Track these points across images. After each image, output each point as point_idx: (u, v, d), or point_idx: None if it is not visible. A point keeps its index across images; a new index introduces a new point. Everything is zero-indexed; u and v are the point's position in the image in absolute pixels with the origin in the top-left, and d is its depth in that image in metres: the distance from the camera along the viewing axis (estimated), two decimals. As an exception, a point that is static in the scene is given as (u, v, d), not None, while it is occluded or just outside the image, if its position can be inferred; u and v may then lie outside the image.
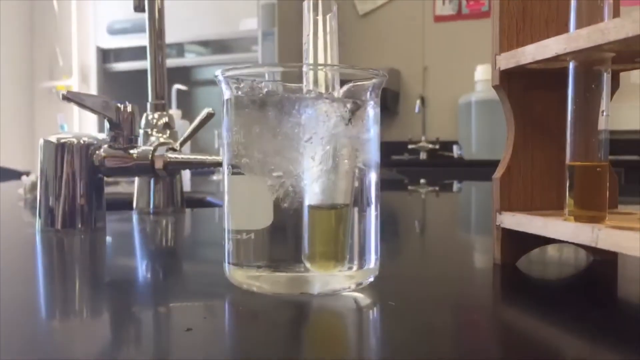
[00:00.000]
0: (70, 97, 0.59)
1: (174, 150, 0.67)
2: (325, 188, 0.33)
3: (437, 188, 1.52)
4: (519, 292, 0.38)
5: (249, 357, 0.26)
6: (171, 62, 2.84)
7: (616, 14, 0.40)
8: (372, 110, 0.36)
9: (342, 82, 0.35)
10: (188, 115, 2.03)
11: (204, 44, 3.27)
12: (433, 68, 3.13)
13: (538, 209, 0.43)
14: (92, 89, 3.57)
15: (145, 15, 0.84)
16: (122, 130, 0.64)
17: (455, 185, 1.64)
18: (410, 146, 3.06)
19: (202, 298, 0.36)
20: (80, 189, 0.61)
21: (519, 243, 0.42)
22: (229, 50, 3.23)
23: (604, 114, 0.37)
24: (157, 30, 0.84)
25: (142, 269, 0.48)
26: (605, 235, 0.33)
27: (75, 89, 3.52)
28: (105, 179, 0.65)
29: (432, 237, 0.68)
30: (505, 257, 0.43)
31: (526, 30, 0.43)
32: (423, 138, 3.08)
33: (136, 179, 0.83)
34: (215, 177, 1.60)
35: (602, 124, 0.37)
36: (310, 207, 0.33)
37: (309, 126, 0.33)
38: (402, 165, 2.78)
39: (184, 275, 0.45)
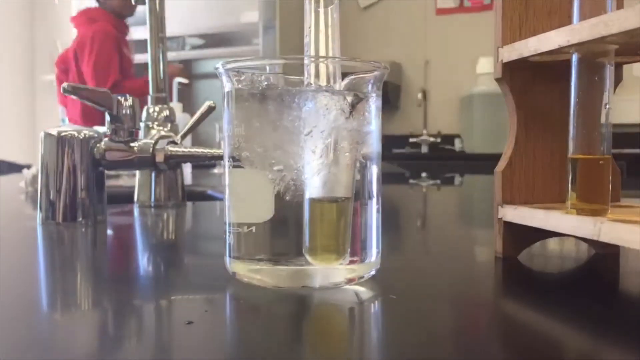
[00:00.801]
0: (71, 90, 0.59)
1: (174, 143, 0.66)
2: (326, 181, 0.33)
3: (438, 182, 1.52)
4: (520, 286, 0.38)
5: (250, 350, 0.26)
6: (172, 55, 2.84)
7: (619, 5, 0.40)
8: (373, 103, 0.35)
9: (344, 75, 0.35)
10: (189, 108, 2.03)
11: (205, 37, 3.26)
12: (435, 61, 3.12)
13: (540, 202, 0.43)
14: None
15: (146, 7, 0.84)
16: (122, 124, 0.64)
17: (457, 179, 1.64)
18: (411, 139, 3.05)
19: (203, 291, 0.36)
20: (81, 182, 0.61)
21: (521, 236, 0.42)
22: (230, 43, 3.22)
23: (607, 106, 0.37)
24: (157, 23, 0.84)
25: (143, 262, 0.48)
26: (608, 229, 0.33)
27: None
28: (106, 172, 0.65)
29: (434, 231, 0.68)
30: (507, 250, 0.43)
31: (529, 22, 0.42)
32: (424, 131, 3.08)
33: (137, 172, 0.83)
34: (216, 171, 1.60)
35: (604, 117, 0.37)
36: (311, 200, 0.33)
37: (309, 119, 0.33)
38: (404, 158, 2.78)
39: (185, 268, 0.45)
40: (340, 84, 0.35)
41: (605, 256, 0.44)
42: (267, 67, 0.36)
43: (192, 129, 0.74)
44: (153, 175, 0.81)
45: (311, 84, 0.34)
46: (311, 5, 0.36)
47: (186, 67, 3.06)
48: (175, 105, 1.57)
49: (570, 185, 0.38)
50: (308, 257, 0.33)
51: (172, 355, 0.26)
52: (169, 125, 0.81)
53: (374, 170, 0.36)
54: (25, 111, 3.72)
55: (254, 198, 0.34)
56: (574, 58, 0.37)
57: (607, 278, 0.41)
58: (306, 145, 0.33)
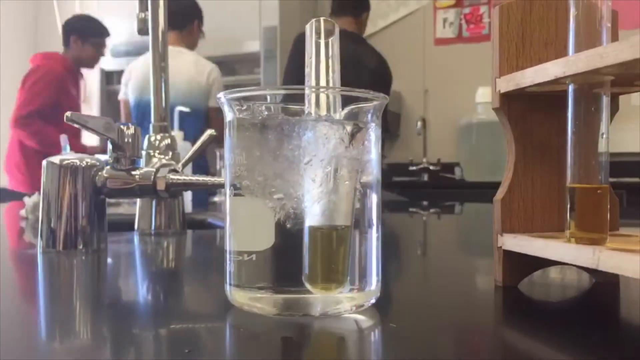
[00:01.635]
0: (73, 119, 0.60)
1: (175, 171, 0.67)
2: (325, 209, 0.33)
3: (438, 210, 1.52)
4: (520, 314, 0.38)
5: (250, 379, 0.26)
6: (174, 84, 2.85)
7: (614, 37, 0.41)
8: (373, 132, 0.36)
9: (344, 104, 0.36)
10: (189, 136, 2.04)
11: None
12: (434, 90, 3.15)
13: (539, 231, 0.43)
14: (95, 110, 3.59)
15: (149, 37, 0.85)
16: (124, 152, 0.64)
17: (457, 207, 1.64)
18: (411, 168, 3.06)
19: (203, 319, 0.36)
20: (82, 210, 0.61)
21: (521, 265, 0.42)
22: (231, 71, 3.25)
23: (604, 136, 0.37)
24: (160, 53, 0.85)
25: (142, 290, 0.48)
26: (607, 258, 0.33)
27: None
28: (107, 199, 0.65)
29: (434, 259, 0.67)
30: (507, 279, 0.43)
31: (526, 53, 0.43)
32: (424, 160, 3.09)
33: (138, 200, 0.83)
34: (216, 199, 1.60)
35: (602, 147, 0.37)
36: (311, 228, 0.33)
37: (309, 148, 0.33)
38: (404, 186, 2.78)
39: (185, 296, 0.45)
40: (341, 114, 0.35)
41: (605, 285, 0.44)
42: (268, 97, 0.37)
43: (193, 157, 0.74)
44: (154, 203, 0.82)
45: (311, 113, 0.35)
46: (312, 36, 0.36)
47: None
48: (177, 133, 1.58)
49: (568, 214, 0.38)
50: (308, 285, 0.33)
51: (171, 384, 0.26)
52: (170, 153, 0.82)
53: (374, 199, 0.36)
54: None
55: (254, 226, 0.35)
56: (570, 89, 0.38)
57: (606, 307, 0.41)
58: (306, 174, 0.33)
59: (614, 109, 0.42)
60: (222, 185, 0.65)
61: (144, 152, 0.81)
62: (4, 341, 0.31)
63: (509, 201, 0.43)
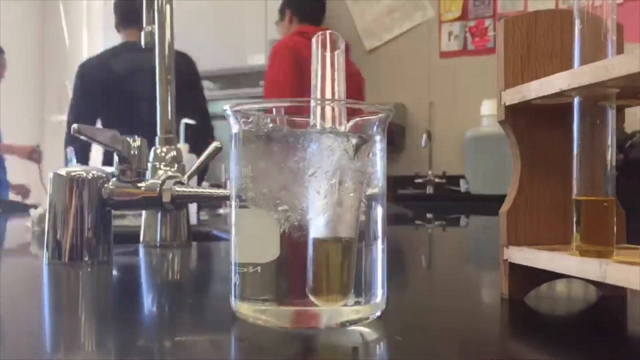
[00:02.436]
0: (80, 131, 0.60)
1: (181, 183, 0.67)
2: (330, 221, 0.33)
3: (444, 222, 1.51)
4: (527, 328, 0.38)
5: (255, 392, 0.26)
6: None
7: (620, 50, 0.41)
8: (378, 145, 0.36)
9: (349, 117, 0.36)
10: (195, 149, 2.04)
11: (213, 78, 3.30)
12: (439, 103, 3.15)
13: (545, 244, 0.43)
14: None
15: (155, 50, 0.86)
16: (130, 164, 0.64)
17: (463, 220, 1.63)
18: (416, 180, 3.06)
19: (208, 332, 0.36)
20: (88, 222, 0.61)
21: (527, 278, 0.42)
22: (237, 84, 3.27)
23: (610, 148, 0.37)
24: (166, 66, 0.85)
25: (148, 302, 0.48)
26: (613, 271, 0.33)
27: (84, 122, 3.56)
28: (113, 211, 0.66)
29: (439, 272, 0.67)
30: (513, 291, 0.42)
31: (531, 65, 0.43)
32: (429, 172, 3.08)
33: (143, 212, 0.84)
34: (222, 211, 1.60)
35: (608, 159, 0.37)
36: (315, 240, 0.33)
37: (313, 160, 0.34)
38: (409, 199, 2.78)
39: (190, 308, 0.45)
40: (346, 126, 0.35)
41: (612, 298, 0.43)
42: (274, 110, 0.37)
43: (199, 170, 0.74)
44: (159, 215, 0.82)
45: (316, 125, 0.35)
46: (318, 50, 0.36)
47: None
48: (182, 146, 1.58)
49: (575, 226, 0.38)
50: (311, 297, 0.33)
51: (176, 397, 0.25)
52: (176, 165, 0.82)
53: (379, 211, 0.36)
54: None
55: (259, 238, 0.35)
56: (576, 101, 0.38)
57: (613, 320, 0.40)
58: (310, 186, 0.34)
59: (620, 121, 0.42)
60: (227, 197, 0.65)
61: (149, 164, 0.81)
62: (10, 353, 0.31)
63: (515, 214, 0.43)
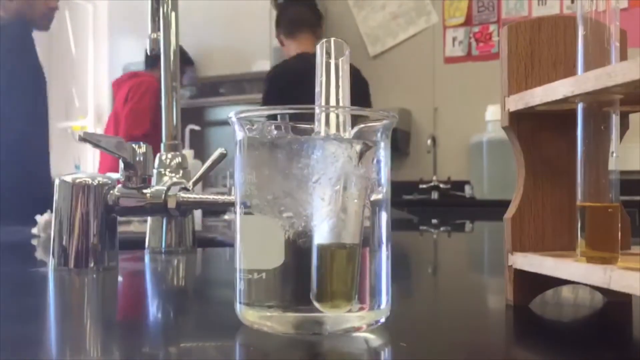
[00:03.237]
0: (86, 138, 0.60)
1: (186, 189, 0.67)
2: (334, 227, 0.34)
3: (448, 228, 1.51)
4: (532, 334, 0.38)
5: (260, 398, 0.26)
6: (185, 103, 2.89)
7: (623, 56, 0.41)
8: (382, 151, 0.36)
9: (353, 123, 0.36)
10: (201, 155, 2.05)
11: (218, 84, 3.31)
12: (444, 108, 3.15)
13: (550, 250, 0.43)
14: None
15: (161, 56, 0.86)
16: (136, 170, 0.65)
17: (467, 225, 1.63)
18: (421, 186, 3.05)
19: (213, 338, 0.36)
20: (94, 229, 0.62)
21: (532, 284, 0.42)
22: (242, 91, 3.27)
23: (614, 154, 0.37)
24: (171, 72, 0.86)
25: (153, 308, 0.48)
26: (618, 277, 0.33)
27: (90, 129, 3.58)
28: (118, 218, 0.66)
29: (444, 278, 0.67)
30: (518, 298, 0.42)
31: (535, 72, 0.43)
32: (434, 178, 3.08)
33: (149, 219, 0.84)
34: (226, 217, 1.60)
35: (612, 165, 0.37)
36: (319, 246, 0.33)
37: (317, 167, 0.34)
38: (414, 205, 2.77)
39: (196, 315, 0.45)
40: (350, 133, 0.36)
41: (617, 304, 0.43)
42: (279, 117, 0.37)
43: (204, 176, 0.74)
44: (164, 221, 0.82)
45: (320, 132, 0.35)
46: (323, 57, 0.37)
47: (199, 114, 3.11)
48: (187, 152, 1.59)
49: (579, 232, 0.38)
50: (315, 303, 0.33)
51: (181, 403, 0.26)
52: (181, 172, 0.82)
53: (383, 217, 0.36)
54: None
55: (264, 244, 0.35)
56: (580, 107, 0.38)
57: (619, 327, 0.40)
58: (315, 193, 0.34)
59: (624, 127, 0.42)
60: (232, 204, 0.65)
61: (155, 171, 0.81)
62: (16, 359, 0.31)
63: (519, 219, 0.43)
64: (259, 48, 3.13)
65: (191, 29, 2.71)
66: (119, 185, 0.64)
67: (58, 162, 3.69)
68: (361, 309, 0.34)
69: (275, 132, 0.36)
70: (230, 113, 0.36)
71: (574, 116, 0.38)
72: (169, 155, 0.83)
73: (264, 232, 0.35)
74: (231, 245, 0.37)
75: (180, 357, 0.33)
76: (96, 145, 0.61)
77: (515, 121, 0.43)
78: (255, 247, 0.35)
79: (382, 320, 0.36)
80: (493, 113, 2.78)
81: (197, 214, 1.31)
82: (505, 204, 0.44)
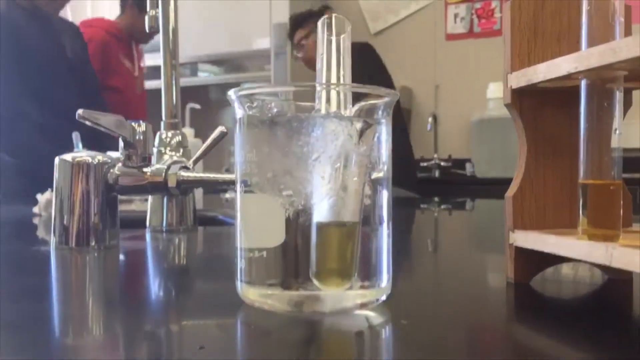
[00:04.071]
0: (85, 116, 0.60)
1: (187, 168, 0.67)
2: (334, 206, 0.33)
3: (449, 206, 1.51)
4: (532, 312, 0.38)
5: (261, 375, 0.26)
6: (185, 81, 2.87)
7: (627, 32, 0.40)
8: (383, 129, 0.36)
9: (355, 101, 0.35)
10: (201, 133, 2.04)
11: (217, 63, 3.29)
12: (445, 86, 3.14)
13: (551, 227, 0.43)
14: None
15: (159, 34, 0.85)
16: (136, 149, 0.64)
17: (468, 204, 1.63)
18: (422, 164, 3.05)
19: (214, 316, 0.36)
20: (95, 207, 0.62)
21: (533, 262, 0.42)
22: (242, 69, 3.26)
23: (617, 132, 0.37)
24: (171, 50, 0.85)
25: (154, 286, 0.48)
26: (620, 254, 0.33)
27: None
28: (119, 197, 0.66)
29: (445, 256, 0.67)
30: (519, 275, 0.42)
31: (538, 48, 0.43)
32: (435, 156, 3.08)
33: (149, 197, 0.84)
34: (227, 196, 1.60)
35: (614, 142, 0.37)
36: (318, 224, 0.33)
37: (317, 145, 0.33)
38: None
39: (197, 293, 0.45)
40: (351, 110, 0.35)
41: (618, 282, 0.43)
42: (279, 94, 0.37)
43: (205, 155, 0.74)
44: (165, 200, 0.82)
45: (320, 110, 0.35)
46: (324, 33, 0.36)
47: (198, 93, 3.09)
48: (188, 130, 1.58)
49: (581, 210, 0.38)
50: (315, 281, 0.33)
51: (183, 380, 0.26)
52: (181, 150, 0.82)
53: (384, 195, 0.36)
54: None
55: (264, 223, 0.35)
56: (583, 84, 0.37)
57: (619, 304, 0.40)
58: (315, 171, 0.33)
59: (627, 104, 0.42)
60: (232, 182, 0.65)
61: (155, 149, 0.81)
62: (17, 338, 0.31)
63: (521, 197, 0.43)
64: (259, 25, 3.10)
65: (190, 7, 2.69)
66: (119, 164, 0.64)
67: (58, 141, 3.67)
68: (362, 287, 0.34)
69: (275, 109, 0.35)
70: (230, 91, 0.36)
71: (577, 93, 0.38)
72: (169, 134, 0.83)
73: (265, 210, 0.34)
74: (232, 224, 0.37)
75: (182, 335, 0.33)
76: (95, 124, 0.61)
77: (517, 98, 0.43)
78: (255, 226, 0.35)
79: (383, 298, 0.36)
80: (494, 91, 2.77)
81: (198, 192, 1.31)
82: (506, 182, 0.44)
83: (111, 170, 0.63)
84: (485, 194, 1.74)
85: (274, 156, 0.34)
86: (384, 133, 0.36)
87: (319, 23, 0.36)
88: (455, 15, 3.13)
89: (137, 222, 0.86)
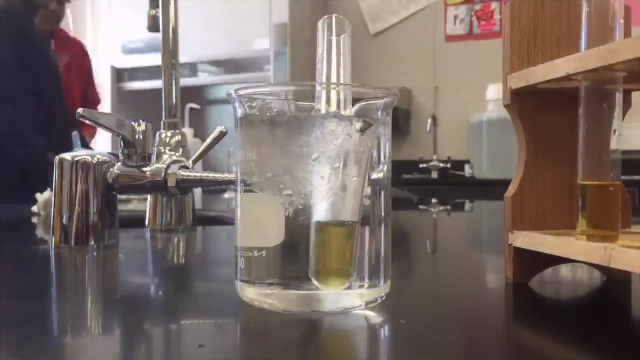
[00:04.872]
0: (85, 116, 0.60)
1: (186, 168, 0.67)
2: (333, 206, 0.33)
3: (448, 207, 1.51)
4: (530, 312, 0.38)
5: (260, 374, 0.26)
6: (184, 81, 2.87)
7: (627, 33, 0.40)
8: (382, 129, 0.36)
9: (354, 101, 0.36)
10: (201, 133, 2.04)
11: (217, 63, 3.29)
12: (444, 87, 3.14)
13: (550, 228, 0.43)
14: (106, 107, 3.61)
15: (160, 34, 0.85)
16: (135, 148, 0.64)
17: (467, 205, 1.63)
18: (421, 165, 3.05)
19: (213, 315, 0.36)
20: (94, 207, 0.62)
21: (532, 262, 0.42)
22: (241, 69, 3.26)
23: (616, 133, 0.37)
24: (170, 50, 0.85)
25: (153, 286, 0.48)
26: (618, 255, 0.33)
27: (89, 107, 3.55)
28: (118, 196, 0.66)
29: (444, 256, 0.67)
30: (518, 276, 0.42)
31: (537, 49, 0.43)
32: (434, 157, 3.08)
33: (149, 197, 0.84)
34: (226, 195, 1.60)
35: (614, 144, 0.37)
36: (317, 223, 0.33)
37: (317, 145, 0.33)
38: (413, 184, 2.77)
39: (196, 292, 0.45)
40: (351, 110, 0.35)
41: (616, 283, 0.43)
42: (279, 94, 0.37)
43: (204, 154, 0.74)
44: (164, 199, 0.82)
45: (320, 110, 0.35)
46: (324, 33, 0.36)
47: (198, 93, 3.10)
48: (187, 130, 1.58)
49: (580, 211, 0.38)
50: (313, 280, 0.33)
51: (182, 379, 0.26)
52: (181, 150, 0.82)
53: (383, 196, 0.36)
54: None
55: (264, 222, 0.35)
56: (582, 85, 0.37)
57: (618, 305, 0.40)
58: (314, 170, 0.34)
59: (626, 105, 0.42)
60: (232, 182, 0.65)
61: (154, 149, 0.81)
62: (17, 336, 0.31)
63: (520, 198, 0.43)
64: (259, 26, 3.10)
65: (190, 7, 2.69)
66: (119, 163, 0.64)
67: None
68: (361, 286, 0.35)
69: (274, 109, 0.35)
70: (230, 90, 0.36)
71: (577, 94, 0.38)
72: (169, 134, 0.83)
73: (264, 209, 0.35)
74: (231, 224, 0.37)
75: (181, 334, 0.33)
76: (95, 123, 0.61)
77: (517, 99, 0.43)
78: (255, 225, 0.35)
79: (382, 297, 0.36)
80: (494, 92, 2.77)
81: (197, 192, 1.31)
82: (504, 184, 0.44)
83: (110, 170, 0.63)
84: (484, 195, 1.74)
85: (274, 156, 0.34)
86: (383, 133, 0.36)
87: (319, 23, 0.37)
88: (455, 17, 3.13)
89: (136, 222, 0.86)
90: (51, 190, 0.66)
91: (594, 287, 0.44)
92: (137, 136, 0.64)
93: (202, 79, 3.34)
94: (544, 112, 0.43)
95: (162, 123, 0.84)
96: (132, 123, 0.64)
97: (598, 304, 0.40)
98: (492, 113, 2.75)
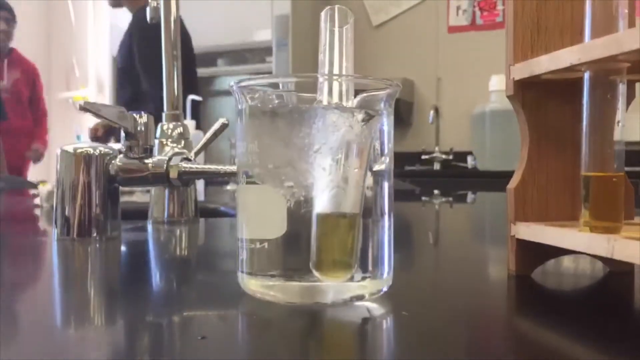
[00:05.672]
0: (87, 108, 0.60)
1: (188, 160, 0.67)
2: (334, 197, 0.33)
3: (450, 199, 1.51)
4: (533, 303, 0.38)
5: (263, 366, 0.26)
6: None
7: (631, 23, 0.40)
8: (385, 120, 0.36)
9: (357, 93, 0.35)
10: (202, 125, 2.04)
11: (219, 54, 3.29)
12: (447, 78, 3.13)
13: (553, 220, 0.43)
14: (108, 99, 3.61)
15: (161, 26, 0.85)
16: (137, 140, 0.64)
17: (470, 196, 1.63)
18: (423, 157, 3.05)
19: (216, 307, 0.36)
20: (96, 199, 0.62)
21: (534, 254, 0.42)
22: (243, 61, 3.25)
23: (620, 124, 0.37)
24: (172, 41, 0.85)
25: (156, 277, 0.48)
26: (621, 246, 0.33)
27: (91, 99, 3.56)
28: (121, 188, 0.66)
29: (446, 248, 0.67)
30: (520, 267, 0.42)
31: (540, 40, 0.42)
32: (437, 148, 3.07)
33: (151, 189, 0.84)
34: (229, 187, 1.60)
35: (617, 135, 0.37)
36: (319, 215, 0.33)
37: (318, 136, 0.33)
38: (416, 175, 2.77)
39: (198, 284, 0.46)
40: (353, 102, 0.35)
41: (619, 274, 0.43)
42: (281, 85, 0.37)
43: (206, 146, 0.74)
44: (167, 191, 0.82)
45: (322, 101, 0.35)
46: (327, 24, 0.36)
47: (200, 85, 3.09)
48: (189, 122, 1.58)
49: (583, 202, 0.38)
50: (315, 272, 0.33)
51: (185, 370, 0.26)
52: (183, 142, 0.82)
53: (385, 187, 0.36)
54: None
55: (266, 214, 0.35)
56: (586, 76, 0.37)
57: (620, 296, 0.40)
58: (316, 162, 0.33)
59: (630, 96, 0.42)
60: (234, 174, 0.65)
61: (156, 141, 0.81)
62: (20, 328, 0.31)
63: (523, 190, 0.43)
64: (261, 17, 3.09)
65: (192, -2, 2.68)
66: (121, 155, 0.64)
67: (59, 132, 3.69)
68: (363, 278, 0.35)
69: (276, 101, 0.35)
70: (232, 82, 0.36)
71: (580, 85, 0.38)
72: (171, 126, 0.83)
73: (266, 201, 0.34)
74: (234, 216, 0.37)
75: (184, 326, 0.33)
76: (97, 115, 0.61)
77: (520, 90, 0.43)
78: (257, 217, 0.35)
79: (385, 289, 0.36)
80: (496, 83, 2.76)
81: (200, 184, 1.31)
82: (507, 175, 0.44)
83: (113, 162, 0.63)
84: (486, 187, 1.74)
85: (276, 147, 0.34)
86: (385, 124, 0.36)
87: (322, 14, 0.36)
88: (458, 8, 3.12)
89: (138, 214, 0.86)
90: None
91: (597, 278, 0.44)
92: (138, 128, 0.64)
93: (203, 70, 3.34)
94: (547, 103, 0.43)
95: (164, 115, 0.84)
96: (134, 115, 0.64)
97: (601, 296, 0.40)
98: (494, 104, 2.74)
